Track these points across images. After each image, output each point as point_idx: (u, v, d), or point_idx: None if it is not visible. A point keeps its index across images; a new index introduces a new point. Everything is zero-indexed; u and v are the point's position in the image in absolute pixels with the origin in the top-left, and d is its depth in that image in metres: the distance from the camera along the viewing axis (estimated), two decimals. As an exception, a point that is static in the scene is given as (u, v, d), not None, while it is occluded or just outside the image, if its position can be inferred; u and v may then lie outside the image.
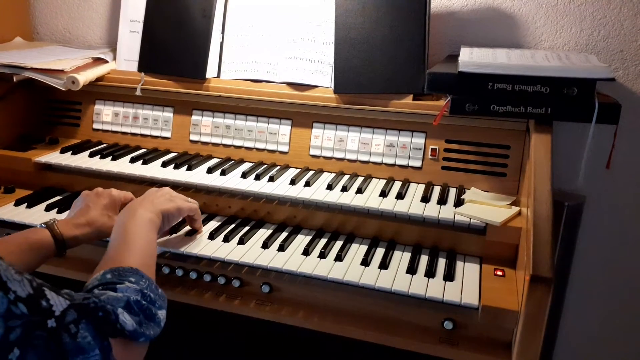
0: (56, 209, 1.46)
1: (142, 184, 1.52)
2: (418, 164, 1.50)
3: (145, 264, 0.97)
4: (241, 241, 1.33)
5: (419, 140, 1.50)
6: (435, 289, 1.17)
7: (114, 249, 1.00)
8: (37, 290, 0.71)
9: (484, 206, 1.32)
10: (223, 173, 1.50)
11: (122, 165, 1.55)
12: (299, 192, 1.40)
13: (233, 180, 1.46)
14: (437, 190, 1.44)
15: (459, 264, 1.27)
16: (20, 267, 1.08)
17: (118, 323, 0.78)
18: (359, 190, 1.41)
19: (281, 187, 1.43)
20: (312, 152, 1.58)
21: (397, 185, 1.46)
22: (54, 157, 1.60)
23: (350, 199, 1.37)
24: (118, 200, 1.32)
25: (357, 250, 1.32)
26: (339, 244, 1.34)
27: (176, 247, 1.29)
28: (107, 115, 1.75)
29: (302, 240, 1.36)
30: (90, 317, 0.75)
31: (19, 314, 0.66)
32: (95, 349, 0.73)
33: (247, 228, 1.41)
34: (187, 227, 1.38)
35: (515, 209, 1.29)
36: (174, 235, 1.35)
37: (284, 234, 1.38)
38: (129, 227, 1.06)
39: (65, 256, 1.19)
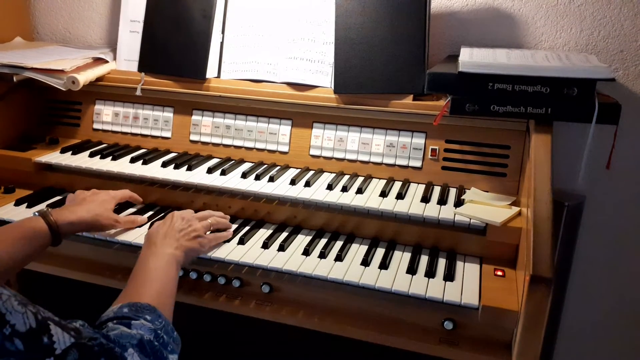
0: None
1: (142, 184, 1.52)
2: (418, 164, 1.50)
3: (163, 302, 0.96)
4: (241, 241, 1.33)
5: (419, 140, 1.50)
6: (435, 289, 1.17)
7: (134, 284, 1.00)
8: (41, 325, 0.66)
9: (484, 206, 1.32)
10: (223, 173, 1.50)
11: (122, 165, 1.55)
12: (299, 192, 1.40)
13: (233, 181, 1.46)
14: (437, 190, 1.44)
15: (459, 264, 1.27)
16: (16, 257, 1.08)
17: None
18: (359, 191, 1.41)
19: (281, 187, 1.43)
20: (312, 152, 1.58)
21: (397, 186, 1.46)
22: (54, 157, 1.60)
23: (350, 199, 1.37)
24: (116, 197, 1.37)
25: (357, 250, 1.32)
26: (339, 244, 1.34)
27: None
28: (107, 115, 1.75)
29: (302, 240, 1.36)
30: None
31: (14, 351, 0.62)
32: None
33: (247, 228, 1.41)
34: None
35: (515, 209, 1.29)
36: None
37: (284, 234, 1.38)
38: (151, 263, 1.06)
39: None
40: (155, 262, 1.07)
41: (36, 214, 1.19)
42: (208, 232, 1.30)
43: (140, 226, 1.39)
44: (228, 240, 1.33)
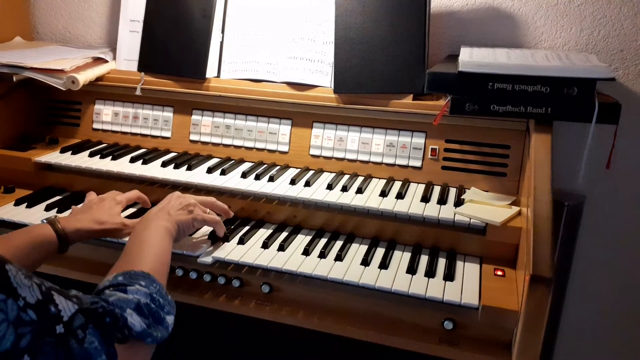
0: (56, 209, 1.46)
1: (142, 184, 1.52)
2: (418, 163, 1.50)
3: (157, 269, 0.98)
4: (241, 241, 1.33)
5: (419, 140, 1.50)
6: (435, 289, 1.17)
7: (127, 255, 1.02)
8: (46, 295, 0.70)
9: (484, 206, 1.32)
10: (223, 173, 1.50)
11: (122, 165, 1.55)
12: (299, 192, 1.40)
13: (233, 180, 1.46)
14: (437, 190, 1.44)
15: (459, 264, 1.27)
16: (24, 264, 1.09)
17: (127, 326, 0.79)
18: (359, 190, 1.41)
19: (281, 187, 1.43)
20: (312, 152, 1.58)
21: (397, 185, 1.46)
22: (54, 157, 1.60)
23: (350, 198, 1.37)
24: (122, 202, 1.35)
25: (357, 250, 1.32)
26: (339, 243, 1.34)
27: (176, 248, 1.29)
28: (107, 115, 1.75)
29: (302, 240, 1.36)
30: (97, 322, 0.75)
31: (29, 321, 0.66)
32: (102, 354, 0.73)
33: (247, 228, 1.41)
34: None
35: (515, 209, 1.29)
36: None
37: (284, 234, 1.38)
38: (144, 236, 1.09)
39: (66, 251, 1.20)
40: (148, 234, 1.09)
41: (44, 221, 1.20)
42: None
43: None
44: (228, 240, 1.33)
